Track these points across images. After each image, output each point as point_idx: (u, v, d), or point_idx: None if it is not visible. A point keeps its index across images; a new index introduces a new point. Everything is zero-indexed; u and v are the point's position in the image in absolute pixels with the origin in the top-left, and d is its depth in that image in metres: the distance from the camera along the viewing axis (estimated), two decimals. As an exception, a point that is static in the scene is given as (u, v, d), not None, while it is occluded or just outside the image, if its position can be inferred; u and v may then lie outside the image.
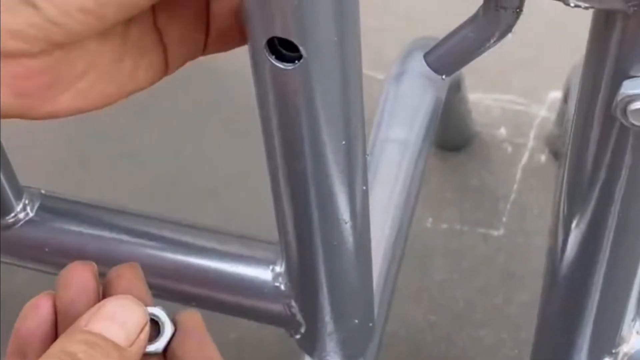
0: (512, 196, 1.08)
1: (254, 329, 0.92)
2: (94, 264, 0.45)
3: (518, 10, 0.41)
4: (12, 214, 0.65)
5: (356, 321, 0.60)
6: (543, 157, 1.12)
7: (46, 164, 1.14)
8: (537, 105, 1.16)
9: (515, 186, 1.09)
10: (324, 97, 0.45)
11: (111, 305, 0.42)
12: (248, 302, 0.61)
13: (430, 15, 1.24)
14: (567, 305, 0.56)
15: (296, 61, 0.43)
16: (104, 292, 0.45)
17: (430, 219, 1.06)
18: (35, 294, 0.44)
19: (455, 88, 0.98)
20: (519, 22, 0.42)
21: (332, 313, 0.59)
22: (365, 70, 0.47)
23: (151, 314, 0.44)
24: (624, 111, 0.39)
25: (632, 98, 0.39)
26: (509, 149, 1.13)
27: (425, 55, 0.45)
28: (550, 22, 1.12)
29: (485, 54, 0.49)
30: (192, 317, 0.45)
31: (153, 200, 1.09)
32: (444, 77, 0.45)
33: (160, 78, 0.46)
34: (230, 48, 0.48)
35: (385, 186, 0.76)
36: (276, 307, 0.60)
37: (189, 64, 0.47)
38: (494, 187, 1.09)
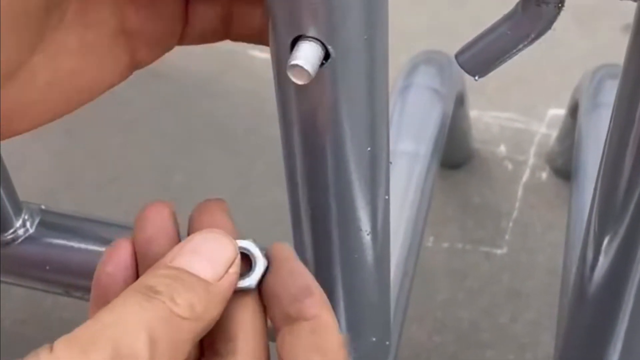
0: (514, 214, 1.06)
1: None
2: (170, 203, 0.42)
3: (560, 5, 0.39)
4: (11, 230, 0.63)
5: (373, 339, 0.58)
6: (544, 175, 1.10)
7: (33, 187, 1.11)
8: (536, 123, 1.15)
9: (517, 204, 1.07)
10: (350, 101, 0.43)
11: (197, 239, 0.38)
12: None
13: (427, 35, 1.23)
14: (596, 323, 0.54)
15: (323, 61, 0.41)
16: (188, 231, 0.42)
17: (431, 238, 1.04)
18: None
19: (459, 103, 0.96)
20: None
21: (349, 331, 0.56)
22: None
23: (241, 248, 0.40)
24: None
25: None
26: (510, 166, 1.11)
27: (457, 55, 0.43)
28: (548, 38, 1.10)
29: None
30: (283, 248, 0.42)
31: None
32: (476, 78, 0.43)
33: (127, 76, 0.43)
34: (208, 42, 0.46)
35: (396, 198, 0.74)
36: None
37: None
38: (496, 205, 1.07)
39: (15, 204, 0.62)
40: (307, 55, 0.39)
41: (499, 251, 1.03)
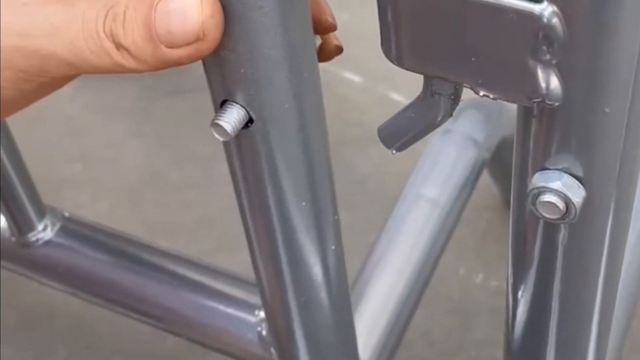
0: (569, 261, 1.06)
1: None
2: None
3: (453, 97, 0.41)
4: (33, 232, 0.68)
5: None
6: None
7: (119, 182, 1.19)
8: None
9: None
10: (285, 160, 0.47)
11: None
12: (233, 341, 0.63)
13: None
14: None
15: (249, 124, 0.45)
16: None
17: (480, 275, 1.05)
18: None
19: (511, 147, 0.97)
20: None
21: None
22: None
23: None
24: (534, 203, 0.40)
25: (541, 190, 0.39)
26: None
27: (380, 129, 0.46)
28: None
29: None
30: None
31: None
32: (393, 151, 0.46)
33: None
34: None
35: (407, 241, 0.76)
36: (258, 351, 0.62)
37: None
38: (553, 250, 1.07)
39: (37, 206, 0.68)
40: (229, 117, 0.44)
41: (546, 296, 1.03)
